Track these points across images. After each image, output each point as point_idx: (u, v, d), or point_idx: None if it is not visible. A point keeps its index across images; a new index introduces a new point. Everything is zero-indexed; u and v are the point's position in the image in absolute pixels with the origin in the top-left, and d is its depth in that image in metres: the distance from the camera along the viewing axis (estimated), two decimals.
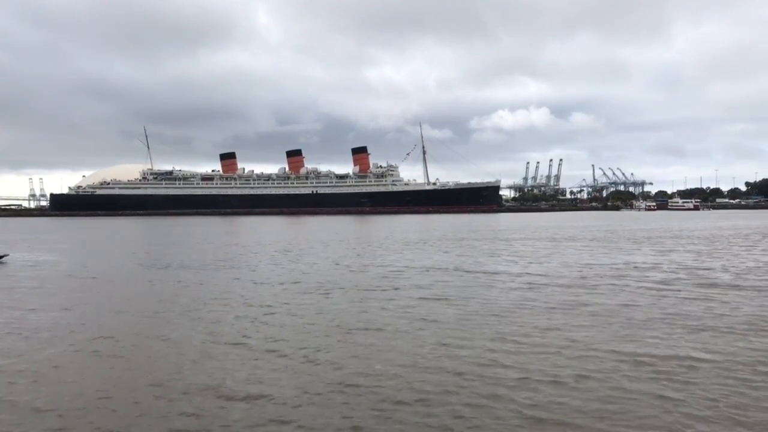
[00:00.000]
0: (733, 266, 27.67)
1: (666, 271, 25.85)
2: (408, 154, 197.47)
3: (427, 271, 27.14)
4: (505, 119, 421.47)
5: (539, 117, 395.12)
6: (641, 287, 21.25)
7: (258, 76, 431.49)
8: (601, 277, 24.29)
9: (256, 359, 12.24)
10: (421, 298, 19.43)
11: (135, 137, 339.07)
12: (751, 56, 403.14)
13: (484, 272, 26.27)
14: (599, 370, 11.17)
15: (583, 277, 24.10)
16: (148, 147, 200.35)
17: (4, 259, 34.41)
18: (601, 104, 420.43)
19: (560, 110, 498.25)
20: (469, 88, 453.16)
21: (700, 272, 25.48)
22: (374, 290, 21.44)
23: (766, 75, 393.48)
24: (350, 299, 19.58)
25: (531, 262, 30.43)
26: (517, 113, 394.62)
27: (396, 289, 21.64)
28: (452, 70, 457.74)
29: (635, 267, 27.69)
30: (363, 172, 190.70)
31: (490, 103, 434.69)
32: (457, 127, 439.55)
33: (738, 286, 21.39)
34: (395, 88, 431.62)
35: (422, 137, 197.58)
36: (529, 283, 22.48)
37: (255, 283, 23.90)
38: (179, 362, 12.10)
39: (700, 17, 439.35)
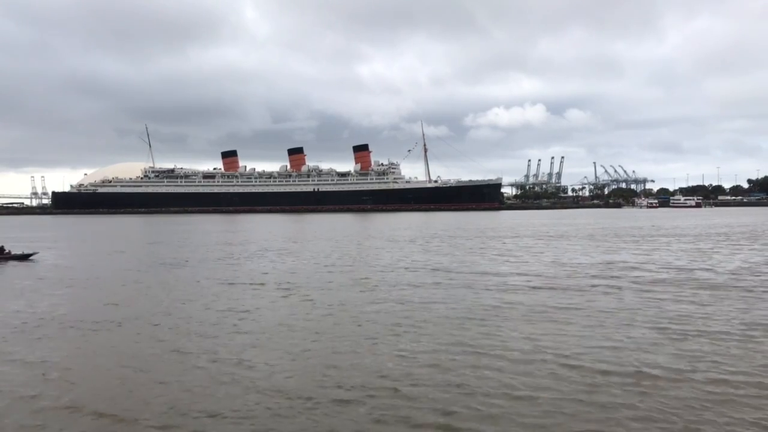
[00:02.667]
0: (721, 266, 27.44)
1: (652, 271, 25.64)
2: (409, 151, 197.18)
3: (407, 268, 27.02)
4: (501, 116, 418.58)
5: (535, 114, 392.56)
6: (627, 288, 21.08)
7: (248, 73, 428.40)
8: (584, 276, 24.10)
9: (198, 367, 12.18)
10: (394, 302, 19.30)
11: (130, 135, 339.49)
12: (745, 51, 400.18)
13: (471, 273, 26.05)
14: (557, 380, 11.04)
15: (565, 276, 23.90)
16: (150, 145, 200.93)
17: (34, 257, 34.70)
18: (596, 101, 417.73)
19: (556, 107, 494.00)
20: (462, 85, 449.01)
21: (686, 272, 25.26)
22: (352, 291, 21.35)
23: (761, 71, 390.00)
24: (320, 303, 19.49)
25: (519, 262, 30.24)
26: (512, 110, 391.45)
27: (372, 291, 21.47)
28: (445, 66, 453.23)
29: (620, 266, 27.47)
30: (364, 170, 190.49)
31: (484, 100, 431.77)
32: (453, 125, 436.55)
33: (722, 286, 21.21)
34: (388, 85, 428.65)
35: (423, 135, 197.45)
36: (511, 284, 22.33)
37: (234, 284, 23.88)
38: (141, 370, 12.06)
39: (691, 11, 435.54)
